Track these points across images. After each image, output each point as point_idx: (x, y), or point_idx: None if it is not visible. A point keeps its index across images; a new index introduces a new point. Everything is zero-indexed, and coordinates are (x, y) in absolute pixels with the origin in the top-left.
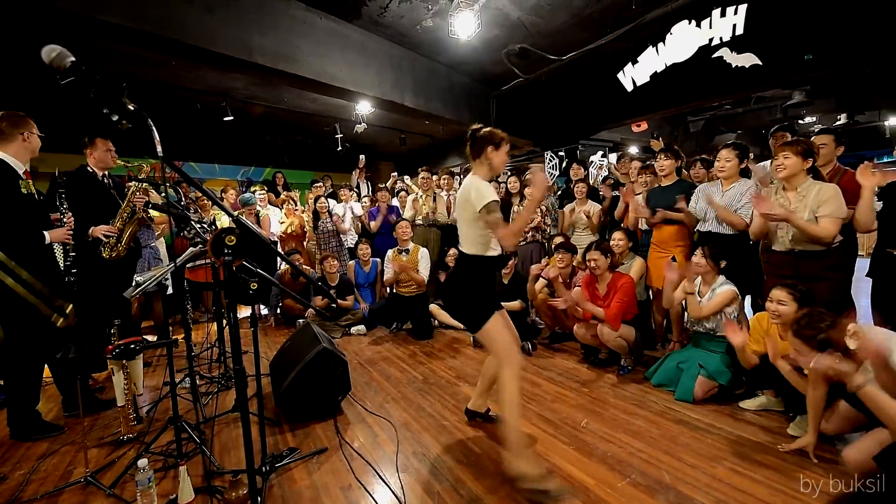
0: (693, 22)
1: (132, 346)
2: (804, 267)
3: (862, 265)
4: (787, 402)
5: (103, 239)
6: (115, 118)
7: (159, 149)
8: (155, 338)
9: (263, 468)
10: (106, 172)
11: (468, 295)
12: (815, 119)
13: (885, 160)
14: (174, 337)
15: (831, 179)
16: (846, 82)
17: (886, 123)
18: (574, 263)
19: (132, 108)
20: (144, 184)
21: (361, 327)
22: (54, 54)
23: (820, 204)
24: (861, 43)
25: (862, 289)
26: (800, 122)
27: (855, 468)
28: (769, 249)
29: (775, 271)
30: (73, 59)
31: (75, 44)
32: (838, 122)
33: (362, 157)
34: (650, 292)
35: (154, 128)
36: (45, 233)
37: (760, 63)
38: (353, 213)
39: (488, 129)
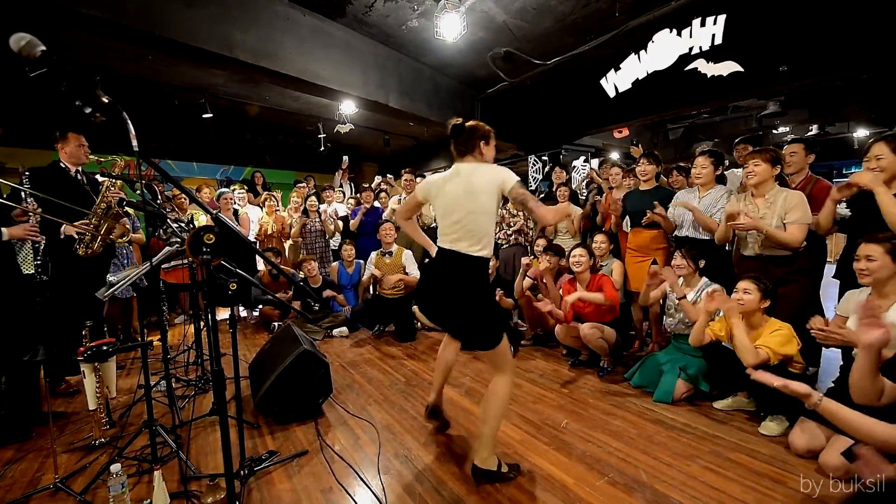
0: (674, 31)
1: (104, 348)
2: (772, 271)
3: (831, 270)
4: (758, 403)
5: (76, 236)
6: (89, 111)
7: (135, 143)
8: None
9: (242, 472)
10: (79, 168)
11: (486, 309)
12: (788, 129)
13: (854, 170)
14: (149, 339)
15: (804, 187)
16: (818, 94)
17: (855, 135)
18: (561, 265)
19: (106, 101)
20: (118, 180)
21: (344, 329)
22: (23, 42)
23: (787, 210)
24: (833, 56)
25: (830, 293)
26: (773, 131)
27: (834, 472)
28: (740, 255)
29: (745, 275)
30: (44, 48)
31: (51, 36)
32: (810, 133)
33: (346, 157)
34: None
35: (129, 121)
36: (3, 229)
37: (741, 70)
38: (336, 214)
39: (474, 121)
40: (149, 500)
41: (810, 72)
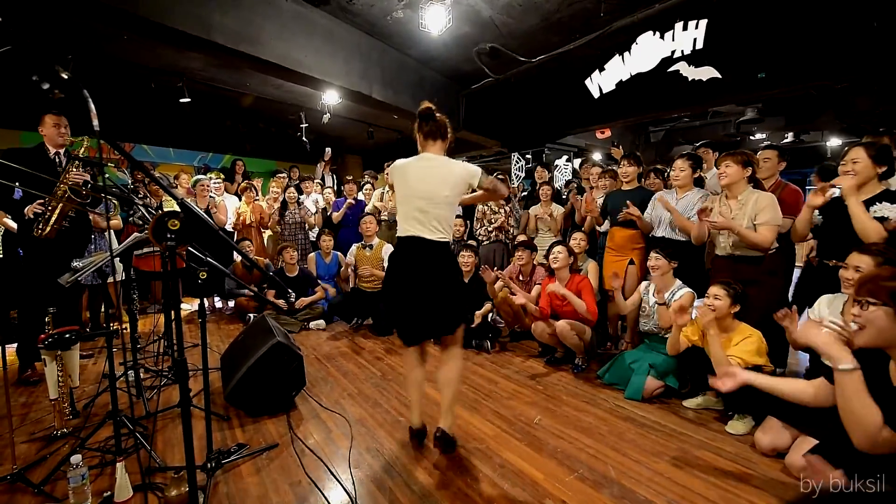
0: (657, 33)
1: (67, 335)
2: (742, 271)
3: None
4: (726, 402)
5: (32, 217)
6: (46, 87)
7: (95, 122)
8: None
9: (209, 464)
10: (59, 151)
11: (459, 290)
12: (764, 136)
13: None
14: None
15: (773, 192)
16: (795, 102)
17: (828, 144)
18: (535, 262)
19: (65, 77)
20: (77, 161)
21: (321, 322)
22: None
23: (757, 212)
24: (810, 65)
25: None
26: (750, 137)
27: (799, 472)
28: (713, 254)
29: (717, 275)
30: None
31: (21, 12)
32: (785, 140)
33: (328, 149)
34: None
35: (90, 99)
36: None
37: (719, 76)
38: (316, 205)
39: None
40: (110, 493)
41: (787, 80)
